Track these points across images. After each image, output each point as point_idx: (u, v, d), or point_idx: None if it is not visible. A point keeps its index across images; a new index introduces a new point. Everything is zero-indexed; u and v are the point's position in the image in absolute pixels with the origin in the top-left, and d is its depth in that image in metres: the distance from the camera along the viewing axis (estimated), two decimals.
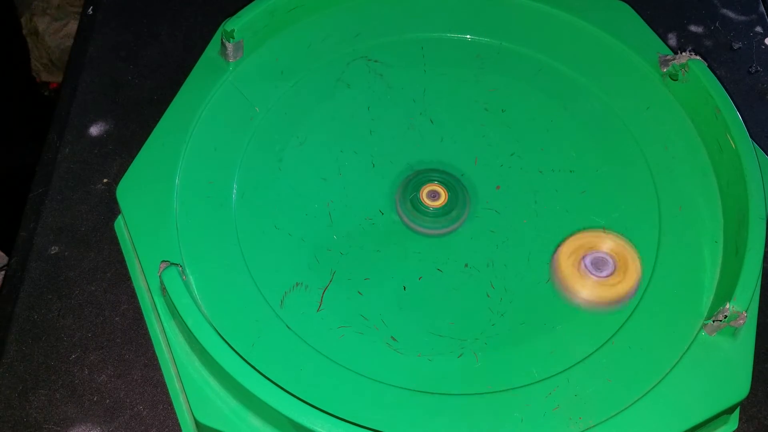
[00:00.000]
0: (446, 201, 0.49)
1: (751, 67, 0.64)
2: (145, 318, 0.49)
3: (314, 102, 0.53)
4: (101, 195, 0.55)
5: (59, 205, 0.54)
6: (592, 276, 0.46)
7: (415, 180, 0.50)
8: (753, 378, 0.43)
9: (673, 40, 0.65)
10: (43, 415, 0.46)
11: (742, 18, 0.67)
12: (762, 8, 0.68)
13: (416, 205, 0.49)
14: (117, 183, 0.48)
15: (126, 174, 0.48)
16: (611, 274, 0.47)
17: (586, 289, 0.46)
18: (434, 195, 0.49)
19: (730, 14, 0.67)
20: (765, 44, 0.65)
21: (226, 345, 0.41)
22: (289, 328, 0.44)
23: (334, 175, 0.51)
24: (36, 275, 0.51)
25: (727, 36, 0.66)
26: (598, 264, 0.47)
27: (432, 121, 0.53)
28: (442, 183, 0.50)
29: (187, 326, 0.41)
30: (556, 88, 0.55)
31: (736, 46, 0.65)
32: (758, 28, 0.66)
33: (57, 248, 0.52)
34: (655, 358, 0.44)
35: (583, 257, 0.47)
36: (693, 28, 0.66)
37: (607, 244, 0.48)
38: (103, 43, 0.63)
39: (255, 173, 0.50)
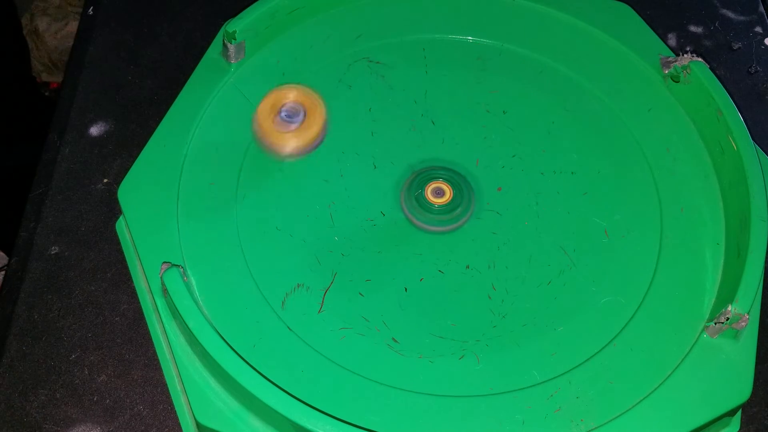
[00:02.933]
0: (451, 198, 0.49)
1: (750, 67, 0.64)
2: (146, 319, 0.49)
3: None
4: (101, 195, 0.54)
5: (59, 205, 0.54)
6: (290, 126, 0.48)
7: (420, 177, 0.50)
8: (754, 378, 0.43)
9: (672, 41, 0.65)
10: (43, 415, 0.46)
11: (742, 18, 0.67)
12: (762, 8, 0.68)
13: (421, 202, 0.49)
14: (117, 183, 0.48)
15: (127, 175, 0.48)
16: (303, 119, 0.48)
17: (289, 141, 0.48)
18: (439, 192, 0.49)
19: (730, 14, 0.67)
20: (765, 44, 0.65)
21: (227, 346, 0.41)
22: (291, 330, 0.44)
23: (335, 177, 0.51)
24: (36, 275, 0.51)
25: (726, 36, 0.66)
26: (291, 113, 0.48)
27: (433, 123, 0.53)
28: (447, 180, 0.50)
29: (188, 327, 0.41)
30: (557, 90, 0.55)
31: (735, 46, 0.65)
32: (758, 28, 0.66)
33: (57, 248, 0.52)
34: (656, 360, 0.44)
35: (278, 112, 0.48)
36: (693, 28, 0.66)
37: (292, 94, 0.49)
38: (103, 43, 0.62)
39: (256, 174, 0.50)
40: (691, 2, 0.68)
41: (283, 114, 0.48)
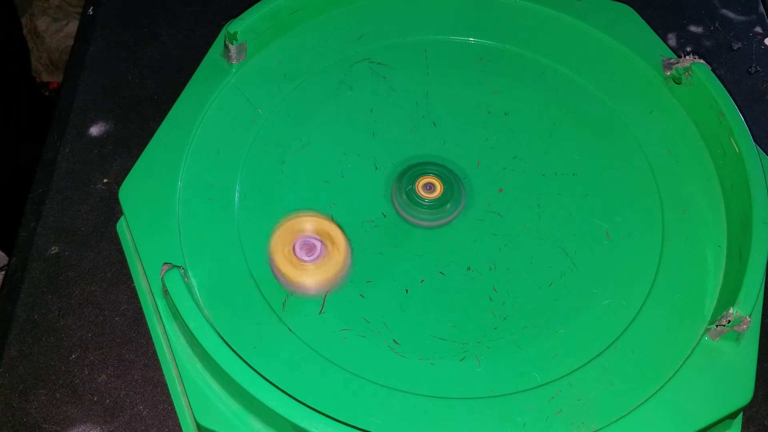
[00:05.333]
0: (441, 192, 0.49)
1: (750, 67, 0.64)
2: (147, 319, 0.49)
3: (317, 104, 0.53)
4: (101, 195, 0.54)
5: (59, 205, 0.54)
6: (306, 263, 0.46)
7: (410, 173, 0.50)
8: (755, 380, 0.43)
9: (672, 41, 0.65)
10: (43, 415, 0.46)
11: (742, 18, 0.67)
12: (762, 8, 0.68)
13: (412, 197, 0.49)
14: (117, 183, 0.48)
15: (128, 176, 0.48)
16: (321, 255, 0.46)
17: (307, 278, 0.46)
18: (430, 187, 0.49)
19: (730, 14, 0.67)
20: (765, 44, 0.65)
21: (227, 348, 0.41)
22: (291, 331, 0.44)
23: (336, 178, 0.51)
24: (36, 275, 0.51)
25: (726, 36, 0.66)
26: (307, 249, 0.46)
27: (435, 124, 0.53)
28: (437, 175, 0.50)
29: (188, 329, 0.41)
30: (559, 91, 0.55)
31: (735, 46, 0.65)
32: (758, 28, 0.66)
33: (57, 248, 0.52)
34: (658, 362, 0.44)
35: (293, 245, 0.46)
36: (693, 28, 0.66)
37: (310, 226, 0.47)
38: (103, 43, 0.62)
39: (257, 175, 0.50)
40: (691, 2, 0.68)
41: (297, 249, 0.46)
